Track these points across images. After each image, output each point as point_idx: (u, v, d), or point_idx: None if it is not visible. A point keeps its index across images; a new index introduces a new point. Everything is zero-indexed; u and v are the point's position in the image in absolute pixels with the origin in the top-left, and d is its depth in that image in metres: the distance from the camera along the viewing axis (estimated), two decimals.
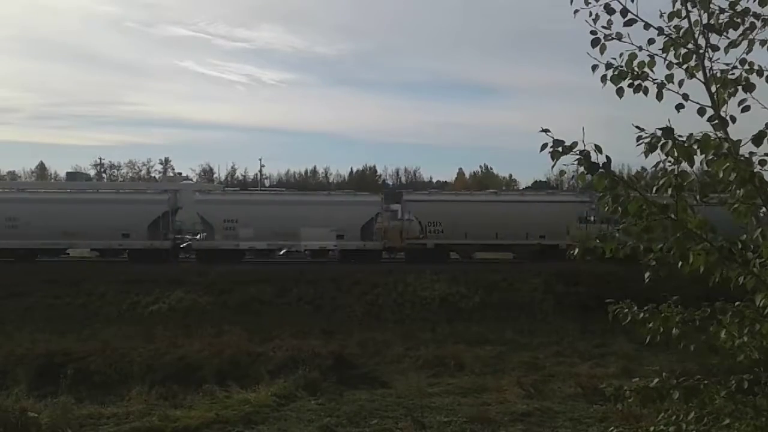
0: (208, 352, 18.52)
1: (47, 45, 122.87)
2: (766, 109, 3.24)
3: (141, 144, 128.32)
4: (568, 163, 3.21)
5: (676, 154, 3.13)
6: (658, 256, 3.43)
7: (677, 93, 3.41)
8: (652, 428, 3.98)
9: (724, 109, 3.37)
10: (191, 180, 78.56)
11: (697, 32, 3.40)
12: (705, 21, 3.39)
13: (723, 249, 3.24)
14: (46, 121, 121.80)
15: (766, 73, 3.43)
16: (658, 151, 3.16)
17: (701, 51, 3.41)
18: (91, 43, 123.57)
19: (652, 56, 3.45)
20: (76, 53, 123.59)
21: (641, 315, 3.79)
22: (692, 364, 9.75)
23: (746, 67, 3.43)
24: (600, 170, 3.18)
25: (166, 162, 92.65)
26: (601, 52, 3.43)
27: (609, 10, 3.36)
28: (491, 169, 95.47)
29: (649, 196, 3.23)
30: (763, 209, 3.27)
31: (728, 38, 3.44)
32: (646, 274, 3.48)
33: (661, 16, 3.44)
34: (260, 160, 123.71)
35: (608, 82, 3.45)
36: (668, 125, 3.17)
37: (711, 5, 3.38)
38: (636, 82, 3.46)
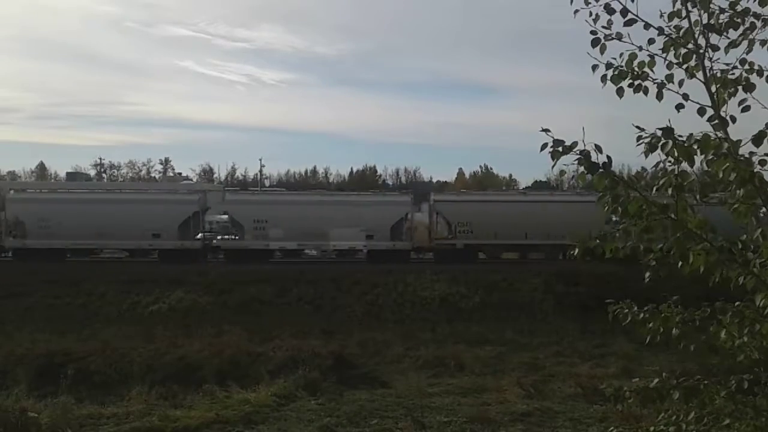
0: (208, 352, 18.52)
1: (47, 45, 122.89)
2: (766, 109, 3.24)
3: (141, 144, 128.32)
4: (569, 163, 3.22)
5: (676, 154, 3.13)
6: (658, 256, 3.43)
7: (677, 93, 3.41)
8: (652, 428, 3.98)
9: (724, 109, 3.37)
10: (191, 180, 78.57)
11: (697, 32, 3.40)
12: (705, 21, 3.39)
13: (723, 249, 3.24)
14: (46, 121, 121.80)
15: (766, 73, 3.43)
16: (658, 151, 3.15)
17: (701, 51, 3.41)
18: (91, 43, 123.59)
19: (652, 56, 3.45)
20: (76, 53, 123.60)
21: (641, 315, 3.79)
22: (692, 364, 9.73)
23: (746, 67, 3.43)
24: (600, 170, 3.18)
25: (166, 162, 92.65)
26: (601, 52, 3.43)
27: (609, 10, 3.36)
28: (491, 169, 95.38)
29: (649, 196, 3.23)
30: (763, 209, 3.27)
31: (728, 38, 3.45)
32: (646, 274, 3.48)
33: (661, 16, 3.44)
34: (260, 160, 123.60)
35: (608, 82, 3.45)
36: (668, 125, 3.17)
37: (711, 5, 3.39)
38: (636, 82, 3.46)
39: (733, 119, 3.35)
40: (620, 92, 3.48)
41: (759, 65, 3.43)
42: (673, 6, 3.42)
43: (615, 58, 3.44)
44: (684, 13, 3.40)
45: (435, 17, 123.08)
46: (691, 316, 3.69)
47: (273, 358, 17.96)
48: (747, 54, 3.43)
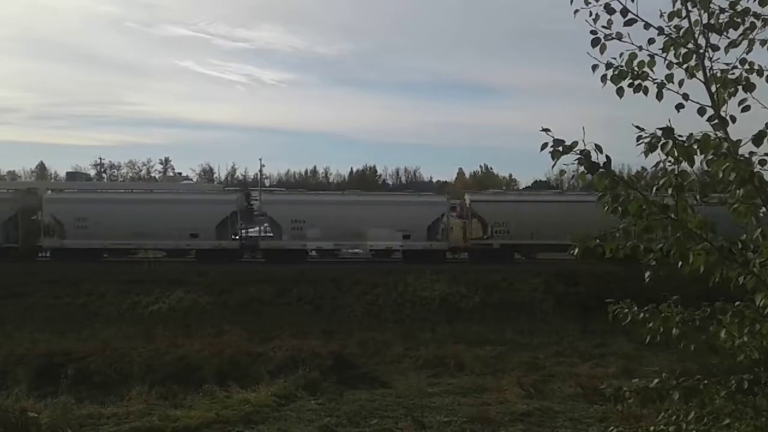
0: (208, 352, 18.51)
1: (47, 45, 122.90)
2: (766, 109, 3.24)
3: (141, 144, 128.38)
4: (569, 162, 3.22)
5: (676, 154, 3.13)
6: (658, 256, 3.43)
7: (677, 93, 3.41)
8: (652, 428, 3.98)
9: (724, 109, 3.37)
10: (191, 180, 78.59)
11: (697, 32, 3.40)
12: (705, 21, 3.39)
13: (723, 249, 3.24)
14: (46, 121, 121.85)
15: (766, 73, 3.43)
16: (658, 151, 3.15)
17: (701, 51, 3.40)
18: (91, 43, 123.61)
19: (652, 56, 3.45)
20: (76, 53, 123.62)
21: (641, 315, 3.79)
22: (692, 364, 9.74)
23: (746, 67, 3.42)
24: (600, 170, 3.18)
25: (166, 162, 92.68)
26: (601, 52, 3.43)
27: (609, 10, 3.36)
28: (491, 169, 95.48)
29: (649, 196, 3.23)
30: (763, 209, 3.27)
31: (728, 38, 3.44)
32: (646, 274, 3.48)
33: (661, 16, 3.44)
34: (260, 160, 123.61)
35: (608, 82, 3.45)
36: (668, 125, 3.17)
37: (711, 5, 3.38)
38: (636, 82, 3.46)
39: (733, 119, 3.35)
40: (620, 92, 3.48)
41: (759, 65, 3.43)
42: (673, 6, 3.42)
43: (615, 58, 3.44)
44: (684, 13, 3.39)
45: (435, 17, 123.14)
46: (691, 316, 3.69)
47: (273, 358, 17.96)
48: (747, 54, 3.43)
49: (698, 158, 3.14)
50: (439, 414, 14.01)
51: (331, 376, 16.63)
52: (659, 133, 3.15)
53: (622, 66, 3.43)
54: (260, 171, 71.63)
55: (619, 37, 3.40)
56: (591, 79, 3.44)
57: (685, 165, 3.17)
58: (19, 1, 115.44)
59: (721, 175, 3.09)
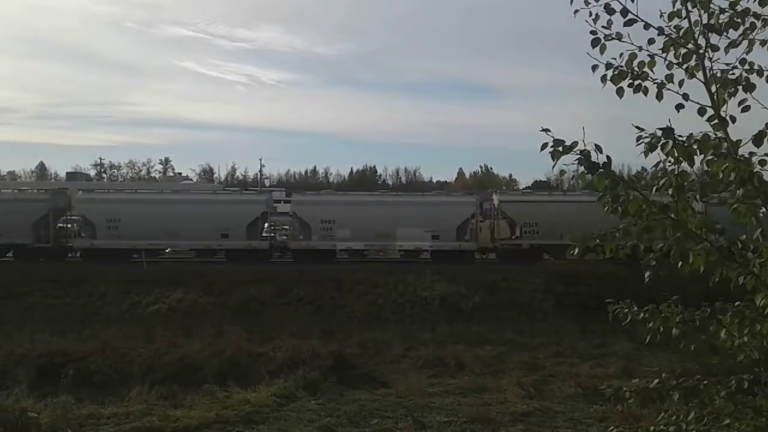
0: (208, 352, 18.49)
1: (47, 45, 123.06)
2: (766, 109, 3.24)
3: (141, 144, 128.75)
4: (569, 163, 3.22)
5: (676, 154, 3.13)
6: (658, 256, 3.43)
7: (677, 93, 3.41)
8: (652, 428, 3.98)
9: (724, 109, 3.37)
10: (191, 180, 78.62)
11: (697, 32, 3.40)
12: (705, 21, 3.39)
13: (723, 249, 3.24)
14: (46, 121, 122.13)
15: (766, 73, 3.43)
16: (658, 151, 3.16)
17: (701, 51, 3.41)
18: (91, 43, 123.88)
19: (652, 56, 3.45)
20: (76, 53, 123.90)
21: (641, 315, 3.79)
22: (692, 364, 9.75)
23: (746, 67, 3.43)
24: (600, 170, 3.18)
25: (166, 162, 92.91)
26: (601, 52, 3.43)
27: (609, 10, 3.36)
28: (491, 169, 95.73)
29: (649, 196, 3.23)
30: (763, 209, 3.27)
31: (728, 38, 3.44)
32: (646, 274, 3.48)
33: (661, 16, 3.44)
34: (260, 160, 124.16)
35: (608, 82, 3.45)
36: (668, 125, 3.17)
37: (711, 5, 3.39)
38: (636, 82, 3.46)
39: (733, 119, 3.35)
40: (620, 92, 3.48)
41: (759, 65, 3.43)
42: (673, 6, 3.42)
43: (615, 58, 3.44)
44: (684, 13, 3.39)
45: (435, 17, 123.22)
46: (691, 316, 3.69)
47: (273, 359, 17.94)
48: (747, 54, 3.43)
49: (698, 158, 3.15)
50: (439, 414, 14.01)
51: (331, 376, 16.61)
52: (659, 133, 3.15)
53: (622, 66, 3.44)
54: (260, 171, 71.84)
55: (619, 37, 3.40)
56: (591, 80, 3.45)
57: (685, 165, 3.18)
58: (19, 1, 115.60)
59: (721, 175, 3.09)
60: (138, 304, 23.71)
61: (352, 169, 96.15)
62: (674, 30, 3.44)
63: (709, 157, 3.13)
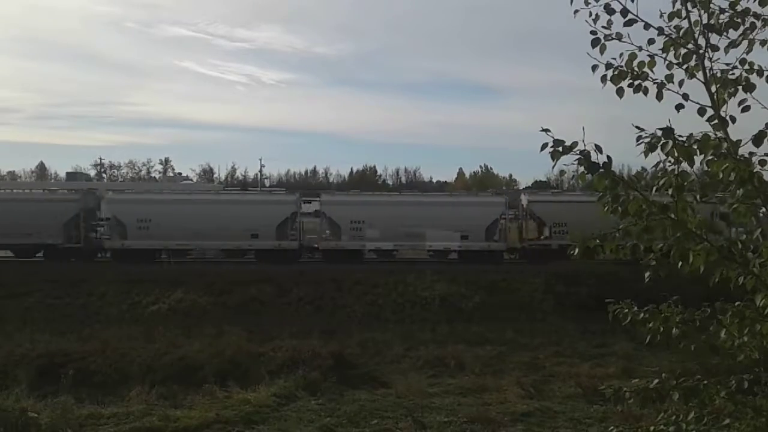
0: (208, 352, 18.49)
1: (47, 45, 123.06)
2: (766, 109, 3.24)
3: (141, 144, 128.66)
4: (569, 163, 3.22)
5: (676, 154, 3.13)
6: (658, 256, 3.43)
7: (677, 93, 3.41)
8: (652, 428, 3.98)
9: (724, 109, 3.37)
10: (191, 180, 78.61)
11: (697, 32, 3.40)
12: (705, 21, 3.39)
13: (723, 249, 3.24)
14: (46, 121, 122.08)
15: (766, 73, 3.43)
16: (658, 151, 3.15)
17: (701, 51, 3.40)
18: (91, 43, 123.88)
19: (652, 56, 3.45)
20: (76, 53, 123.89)
21: (641, 315, 3.79)
22: (692, 364, 9.75)
23: (746, 67, 3.42)
24: (600, 170, 3.18)
25: (166, 162, 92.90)
26: (601, 52, 3.43)
27: (609, 10, 3.36)
28: (491, 169, 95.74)
29: (649, 196, 3.23)
30: (763, 209, 3.27)
31: (728, 38, 3.44)
32: (646, 274, 3.48)
33: (661, 16, 3.44)
34: (260, 160, 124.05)
35: (608, 82, 3.45)
36: (668, 125, 3.17)
37: (711, 5, 3.38)
38: (636, 82, 3.46)
39: (733, 119, 3.35)
40: (620, 92, 3.48)
41: (759, 65, 3.43)
42: (673, 6, 3.42)
43: (615, 58, 3.44)
44: (684, 13, 3.39)
45: (435, 17, 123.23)
46: (691, 316, 3.69)
47: (273, 359, 17.94)
48: (747, 54, 3.43)
49: (698, 158, 3.15)
50: (439, 414, 14.02)
51: (332, 376, 16.62)
52: (659, 133, 3.15)
53: (622, 66, 3.44)
54: (260, 171, 71.82)
55: (619, 37, 3.40)
56: (591, 80, 3.45)
57: (685, 165, 3.18)
58: (19, 1, 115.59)
59: (721, 175, 3.09)
60: (138, 304, 23.72)
61: (352, 169, 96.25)
62: (674, 30, 3.44)
63: (709, 157, 3.13)
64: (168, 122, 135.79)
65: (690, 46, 3.41)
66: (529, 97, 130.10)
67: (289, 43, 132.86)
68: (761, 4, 3.35)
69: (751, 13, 3.40)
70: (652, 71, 3.44)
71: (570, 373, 17.39)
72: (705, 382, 3.86)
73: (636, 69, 3.43)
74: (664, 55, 3.46)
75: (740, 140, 3.19)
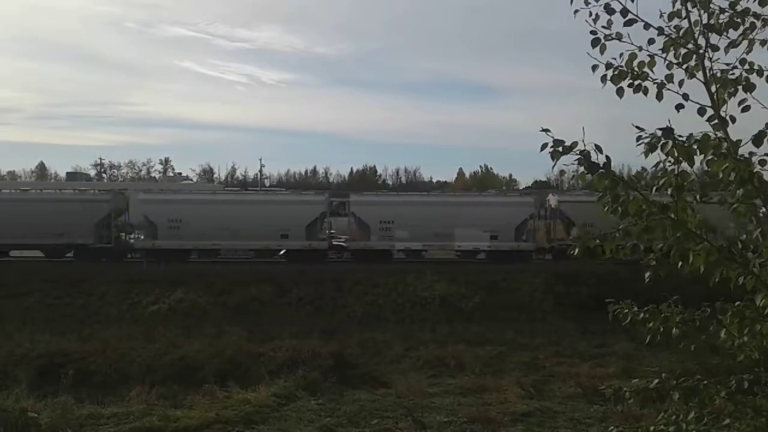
0: (208, 352, 18.49)
1: (47, 45, 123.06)
2: (766, 109, 3.24)
3: (141, 144, 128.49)
4: (569, 163, 3.21)
5: (676, 154, 3.13)
6: (658, 256, 3.43)
7: (677, 93, 3.41)
8: (652, 428, 3.98)
9: (724, 109, 3.36)
10: (191, 180, 78.61)
11: (697, 32, 3.40)
12: (705, 21, 3.39)
13: (723, 249, 3.24)
14: (46, 121, 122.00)
15: (766, 73, 3.43)
16: (658, 151, 3.15)
17: (701, 51, 3.40)
18: (91, 43, 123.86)
19: (652, 56, 3.45)
20: (76, 53, 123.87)
21: (641, 315, 3.79)
22: (692, 364, 9.75)
23: (746, 67, 3.42)
24: (600, 170, 3.18)
25: (166, 162, 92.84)
26: (601, 52, 3.43)
27: (609, 10, 3.36)
28: (491, 169, 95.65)
29: (649, 196, 3.23)
30: (763, 209, 3.27)
31: (728, 38, 3.44)
32: (646, 274, 3.48)
33: (661, 16, 3.44)
34: (260, 160, 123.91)
35: (608, 82, 3.44)
36: (668, 125, 3.16)
37: (711, 5, 3.38)
38: (636, 82, 3.46)
39: (733, 119, 3.35)
40: (620, 92, 3.48)
41: (759, 65, 3.43)
42: (673, 6, 3.42)
43: (615, 58, 3.44)
44: (684, 13, 3.39)
45: (435, 17, 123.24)
46: (691, 316, 3.69)
47: (273, 358, 17.94)
48: (747, 54, 3.43)
49: (698, 158, 3.15)
50: (439, 414, 14.02)
51: (332, 376, 16.63)
52: (659, 133, 3.15)
53: (622, 66, 3.43)
54: (260, 171, 71.82)
55: (619, 37, 3.39)
56: (591, 80, 3.44)
57: (685, 165, 3.17)
58: (19, 1, 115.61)
59: (721, 175, 3.09)
60: (138, 304, 23.71)
61: (352, 169, 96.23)
62: (674, 30, 3.43)
63: (709, 157, 3.13)
64: (168, 122, 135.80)
65: (690, 46, 3.41)
66: (529, 97, 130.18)
67: (289, 43, 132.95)
68: (761, 4, 3.35)
69: (751, 13, 3.40)
70: (652, 71, 3.44)
71: (570, 373, 17.40)
72: (705, 382, 3.86)
73: (636, 69, 3.43)
74: (664, 55, 3.45)
75: (740, 140, 3.19)
